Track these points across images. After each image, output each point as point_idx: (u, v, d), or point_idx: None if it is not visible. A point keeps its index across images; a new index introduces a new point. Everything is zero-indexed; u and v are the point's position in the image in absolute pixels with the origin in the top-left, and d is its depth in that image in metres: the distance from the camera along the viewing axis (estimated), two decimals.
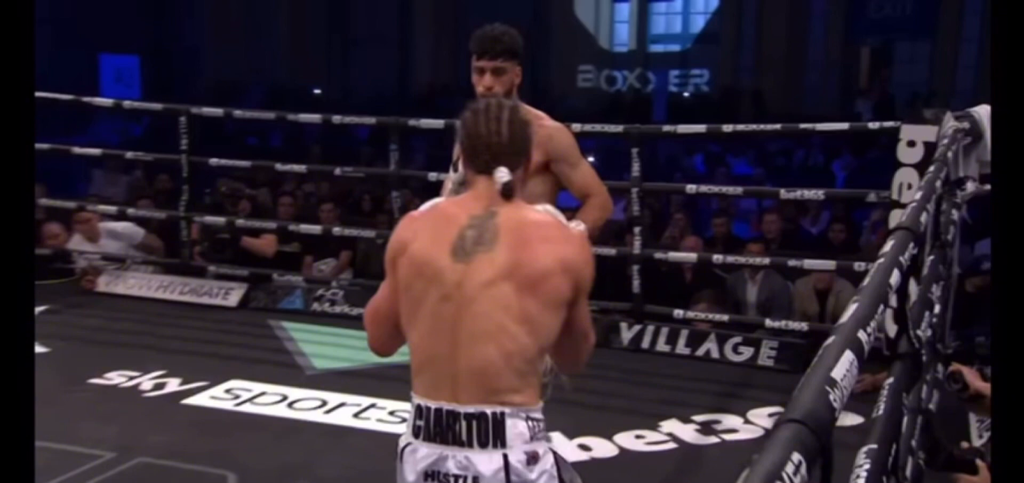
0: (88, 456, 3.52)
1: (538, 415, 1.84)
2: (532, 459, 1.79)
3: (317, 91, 18.08)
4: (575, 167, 2.78)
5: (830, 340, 1.24)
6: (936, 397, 2.89)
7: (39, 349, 4.88)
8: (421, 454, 1.81)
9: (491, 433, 1.78)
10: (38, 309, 5.51)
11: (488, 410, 1.78)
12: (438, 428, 1.80)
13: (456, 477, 1.78)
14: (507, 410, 1.79)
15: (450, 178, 2.77)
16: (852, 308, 1.38)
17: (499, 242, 1.79)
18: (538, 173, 2.58)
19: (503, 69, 2.71)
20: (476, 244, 1.79)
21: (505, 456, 1.78)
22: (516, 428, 1.78)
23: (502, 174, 1.82)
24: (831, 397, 1.07)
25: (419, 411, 1.83)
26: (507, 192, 1.82)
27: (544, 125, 2.74)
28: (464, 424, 1.78)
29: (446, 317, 1.79)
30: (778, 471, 0.87)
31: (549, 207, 2.00)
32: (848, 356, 1.18)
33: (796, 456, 0.91)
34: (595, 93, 19.77)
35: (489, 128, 1.85)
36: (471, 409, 1.78)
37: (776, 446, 0.93)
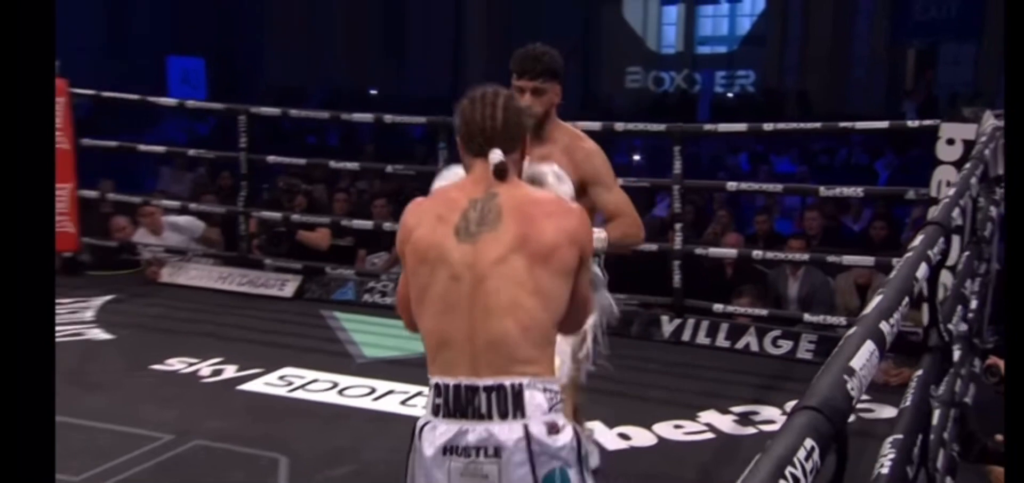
0: (149, 438, 3.58)
1: (555, 387, 1.83)
2: (552, 429, 1.78)
3: (373, 92, 18.24)
4: (610, 190, 2.73)
5: (852, 330, 1.21)
6: (972, 391, 2.81)
7: (105, 336, 5.00)
8: (440, 430, 1.80)
9: (511, 404, 1.77)
10: (105, 298, 5.65)
11: (507, 382, 1.77)
12: (458, 403, 1.79)
13: (476, 449, 1.77)
14: (524, 381, 1.77)
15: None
16: (876, 300, 1.35)
17: (503, 221, 1.80)
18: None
19: (543, 89, 2.67)
20: (480, 224, 1.80)
21: (525, 426, 1.76)
22: (534, 399, 1.77)
23: (496, 155, 1.83)
24: (849, 386, 1.04)
25: (437, 389, 1.82)
26: (500, 171, 1.82)
27: (583, 144, 2.72)
28: (483, 396, 1.77)
29: (459, 297, 1.79)
30: (790, 456, 0.86)
31: (552, 168, 2.01)
32: (869, 346, 1.15)
33: (809, 442, 0.89)
34: (642, 93, 19.65)
35: (484, 113, 1.87)
36: (490, 381, 1.77)
37: (790, 432, 0.91)
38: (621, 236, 2.67)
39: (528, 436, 1.75)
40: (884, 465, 1.41)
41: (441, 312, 1.80)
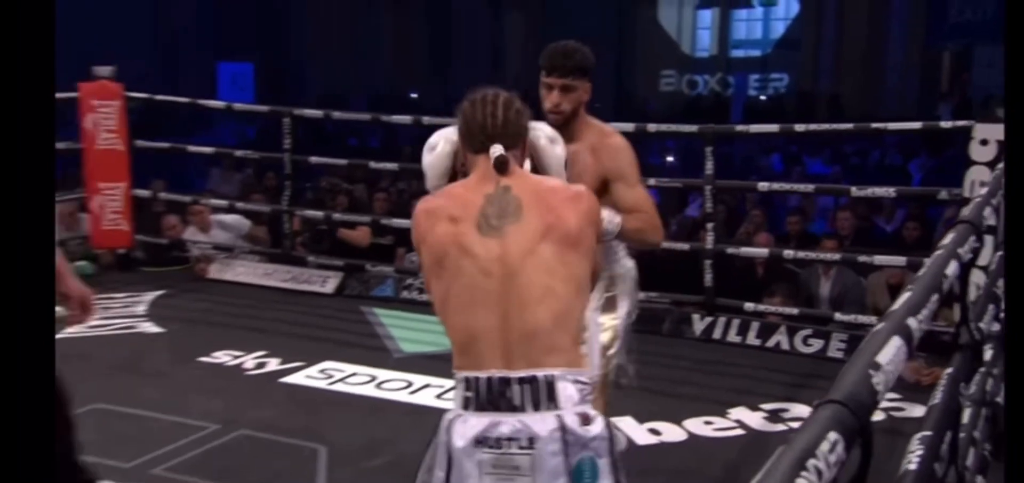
0: (196, 427, 3.62)
1: (585, 380, 1.79)
2: (585, 420, 1.75)
3: (414, 95, 18.34)
4: (632, 187, 2.59)
5: (879, 325, 1.18)
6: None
7: (156, 329, 5.07)
8: (471, 422, 1.76)
9: (544, 395, 1.74)
10: (157, 293, 5.72)
11: (540, 374, 1.74)
12: (490, 395, 1.75)
13: (510, 439, 1.73)
14: (556, 373, 1.74)
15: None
16: (905, 296, 1.32)
17: (524, 211, 1.79)
18: (596, 194, 2.41)
19: (572, 87, 2.56)
20: (501, 217, 1.79)
21: (559, 417, 1.74)
22: (566, 391, 1.75)
23: (496, 149, 1.82)
24: (874, 380, 1.01)
25: (467, 383, 1.79)
26: (500, 164, 1.82)
27: (610, 141, 2.62)
28: (516, 389, 1.74)
29: (489, 292, 1.76)
30: (812, 449, 0.83)
31: (544, 129, 2.03)
32: (895, 341, 1.12)
33: (832, 435, 0.86)
34: (676, 96, 19.51)
35: (484, 112, 1.87)
36: (523, 373, 1.74)
37: (813, 425, 0.89)
38: (636, 229, 2.55)
39: (562, 426, 1.72)
40: (912, 462, 1.37)
41: (469, 308, 1.78)
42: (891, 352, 1.10)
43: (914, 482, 1.32)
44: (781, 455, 0.82)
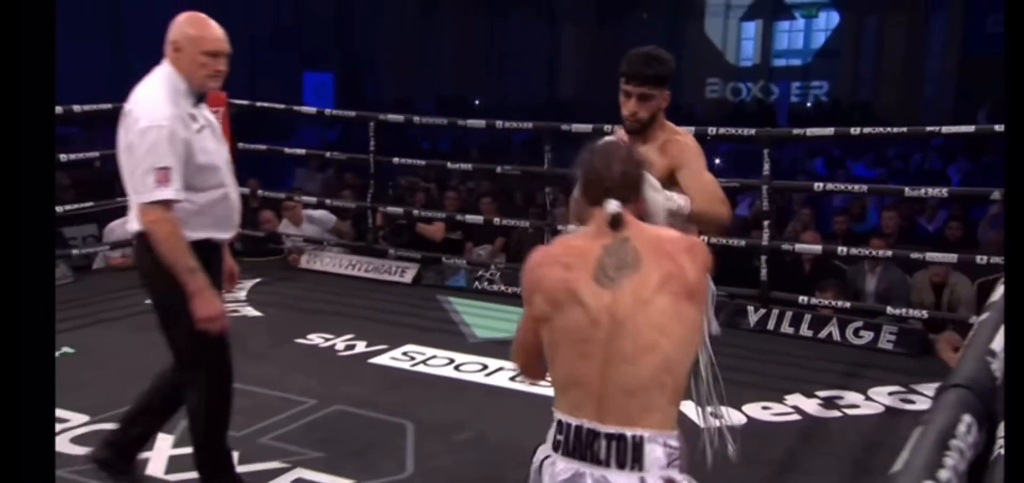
0: (296, 402, 3.68)
1: (675, 443, 1.65)
2: None
3: (477, 102, 18.43)
4: (698, 174, 2.48)
5: (984, 316, 1.13)
6: None
7: (256, 313, 5.16)
8: (559, 467, 1.67)
9: (630, 455, 1.62)
10: (255, 281, 5.81)
11: (628, 433, 1.62)
12: (577, 444, 1.65)
13: None
14: (646, 434, 1.62)
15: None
16: (1002, 288, 1.26)
17: (643, 262, 1.67)
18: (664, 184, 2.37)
19: (650, 95, 2.46)
20: (619, 269, 1.67)
21: (642, 479, 1.61)
22: (654, 454, 1.62)
23: (613, 205, 1.72)
24: (992, 366, 0.97)
25: (559, 426, 1.69)
26: (615, 222, 1.70)
27: (677, 138, 2.53)
28: (603, 443, 1.63)
29: (597, 341, 1.65)
30: (951, 430, 0.80)
31: (652, 182, 1.94)
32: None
33: (967, 418, 0.83)
34: (721, 103, 19.26)
35: (603, 164, 1.78)
36: (612, 430, 1.63)
37: (945, 408, 0.85)
38: (704, 208, 2.43)
39: None
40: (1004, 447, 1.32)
41: (575, 356, 1.67)
42: (1002, 339, 1.05)
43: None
44: (921, 436, 0.78)
